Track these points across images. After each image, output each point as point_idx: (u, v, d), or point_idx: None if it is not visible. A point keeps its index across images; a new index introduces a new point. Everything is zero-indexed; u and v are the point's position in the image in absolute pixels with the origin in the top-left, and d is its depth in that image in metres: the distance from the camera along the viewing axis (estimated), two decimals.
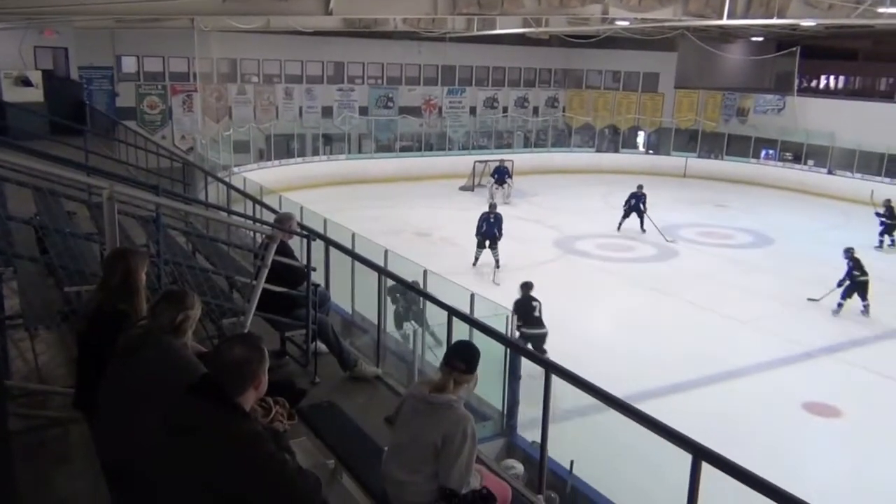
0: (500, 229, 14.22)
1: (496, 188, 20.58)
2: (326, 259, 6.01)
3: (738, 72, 28.40)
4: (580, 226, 17.98)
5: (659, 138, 27.28)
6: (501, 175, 21.15)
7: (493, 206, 15.10)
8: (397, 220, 17.32)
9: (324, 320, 4.99)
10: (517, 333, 8.68)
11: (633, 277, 14.03)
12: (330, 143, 23.97)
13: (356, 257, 6.32)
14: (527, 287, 9.50)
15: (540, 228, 17.59)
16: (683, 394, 9.01)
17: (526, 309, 9.17)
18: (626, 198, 17.60)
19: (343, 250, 6.15)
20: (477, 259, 14.19)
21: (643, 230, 17.34)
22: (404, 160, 24.13)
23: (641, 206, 17.44)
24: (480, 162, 23.05)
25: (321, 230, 8.67)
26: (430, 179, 23.20)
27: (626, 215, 17.52)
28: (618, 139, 27.61)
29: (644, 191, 17.54)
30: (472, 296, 6.56)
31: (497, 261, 14.01)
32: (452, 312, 4.78)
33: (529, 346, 7.82)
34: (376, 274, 5.91)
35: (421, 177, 23.33)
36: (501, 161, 21.76)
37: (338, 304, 6.70)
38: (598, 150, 27.34)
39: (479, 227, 14.27)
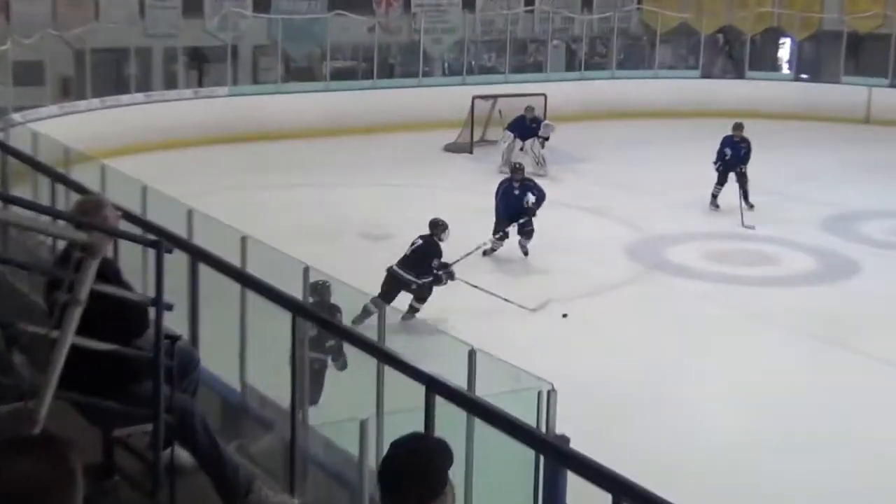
0: (539, 198, 15.66)
1: (518, 149, 20.69)
2: (193, 287, 6.05)
3: None
4: (673, 218, 18.12)
5: (818, 52, 27.61)
6: (526, 129, 21.23)
7: (517, 169, 16.17)
8: (330, 212, 17.41)
9: (188, 405, 4.96)
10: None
11: (775, 314, 14.13)
12: (200, 66, 24.04)
13: (249, 283, 6.28)
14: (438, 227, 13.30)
15: (599, 223, 17.75)
16: None
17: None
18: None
19: (225, 270, 6.13)
20: (494, 250, 15.39)
21: (748, 205, 18.14)
22: (340, 97, 24.34)
23: (742, 164, 18.26)
24: (484, 98, 23.22)
25: (183, 231, 8.64)
26: (392, 132, 23.35)
27: (721, 180, 18.46)
28: (742, 54, 27.89)
29: (745, 134, 18.45)
30: (472, 353, 6.53)
31: (524, 248, 15.63)
32: (433, 386, 4.74)
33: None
34: (289, 315, 5.88)
35: (373, 127, 23.48)
36: (529, 107, 21.67)
37: (215, 374, 6.66)
38: (704, 76, 27.73)
39: (496, 205, 15.50)
